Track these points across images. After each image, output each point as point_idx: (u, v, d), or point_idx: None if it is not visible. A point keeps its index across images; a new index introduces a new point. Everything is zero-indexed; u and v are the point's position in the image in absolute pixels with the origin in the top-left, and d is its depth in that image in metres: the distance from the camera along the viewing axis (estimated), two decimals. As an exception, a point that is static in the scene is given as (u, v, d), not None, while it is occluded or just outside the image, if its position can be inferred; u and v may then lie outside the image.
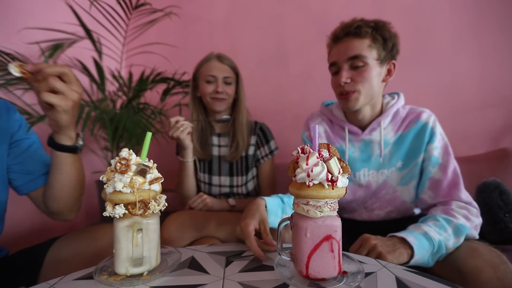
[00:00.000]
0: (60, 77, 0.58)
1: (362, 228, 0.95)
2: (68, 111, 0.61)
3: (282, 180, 1.23)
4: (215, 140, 1.22)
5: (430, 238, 0.69)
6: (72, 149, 0.69)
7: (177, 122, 1.04)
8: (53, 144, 0.68)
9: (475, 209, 0.78)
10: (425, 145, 0.87)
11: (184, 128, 1.04)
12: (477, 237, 0.74)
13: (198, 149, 1.19)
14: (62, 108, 0.59)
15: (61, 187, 0.71)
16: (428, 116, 0.89)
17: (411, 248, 0.67)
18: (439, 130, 0.89)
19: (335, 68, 0.90)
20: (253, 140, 1.20)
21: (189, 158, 1.13)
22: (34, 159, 0.75)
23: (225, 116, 1.14)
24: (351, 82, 0.86)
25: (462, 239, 0.71)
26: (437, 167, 0.85)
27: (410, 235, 0.69)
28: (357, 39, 0.84)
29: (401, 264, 0.65)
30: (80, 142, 0.70)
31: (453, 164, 0.85)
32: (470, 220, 0.74)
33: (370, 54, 0.83)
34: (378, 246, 0.66)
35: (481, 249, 0.65)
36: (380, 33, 0.84)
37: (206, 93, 1.13)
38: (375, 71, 0.85)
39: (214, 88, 1.12)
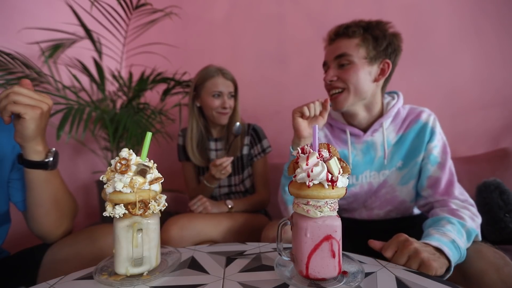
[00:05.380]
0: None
1: (361, 227, 0.95)
2: (36, 120, 0.59)
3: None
4: (212, 145, 1.27)
5: (458, 247, 0.63)
6: (41, 165, 0.64)
7: (220, 165, 1.05)
8: (22, 161, 0.64)
9: (474, 208, 0.78)
10: (425, 145, 0.87)
11: (226, 172, 1.07)
12: (480, 238, 0.73)
13: (198, 157, 1.23)
14: (30, 116, 0.58)
15: (35, 207, 0.68)
16: (427, 115, 0.89)
17: (447, 259, 0.60)
18: (438, 129, 0.89)
19: (326, 68, 0.92)
20: (247, 140, 1.25)
21: (215, 185, 1.16)
22: None
23: (237, 127, 1.12)
24: (337, 80, 0.87)
25: (471, 243, 0.68)
26: (436, 165, 0.85)
27: (444, 245, 0.62)
28: (345, 39, 0.86)
29: (438, 276, 0.56)
30: (50, 158, 0.65)
31: (450, 162, 0.86)
32: (475, 220, 0.74)
33: (357, 52, 0.84)
34: (422, 252, 0.56)
35: (485, 251, 0.64)
36: (371, 32, 0.84)
37: (213, 107, 1.18)
38: (364, 70, 0.85)
39: (221, 103, 1.18)
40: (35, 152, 0.63)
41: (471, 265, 0.63)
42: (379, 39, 0.84)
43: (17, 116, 0.59)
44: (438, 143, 0.87)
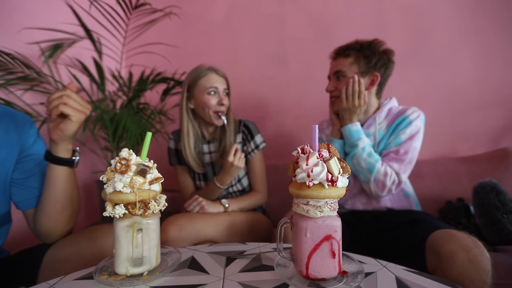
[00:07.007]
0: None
1: (364, 219, 0.99)
2: (79, 123, 0.67)
3: (282, 180, 1.23)
4: (205, 148, 1.24)
5: (360, 141, 1.00)
6: (69, 162, 0.70)
7: (237, 151, 1.07)
8: (50, 157, 0.69)
9: (397, 179, 0.96)
10: (399, 131, 1.02)
11: (243, 156, 1.09)
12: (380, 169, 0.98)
13: (197, 161, 1.21)
14: (76, 119, 0.65)
15: (53, 203, 0.71)
16: (412, 112, 1.03)
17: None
18: (417, 124, 1.00)
19: (329, 80, 1.15)
20: (239, 138, 1.22)
21: (227, 185, 1.15)
22: (40, 177, 0.74)
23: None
24: (335, 90, 1.10)
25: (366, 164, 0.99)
26: (396, 146, 1.01)
27: (356, 125, 1.03)
28: (342, 59, 1.08)
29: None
30: (78, 157, 0.72)
31: (410, 156, 0.99)
32: (388, 175, 0.96)
33: (350, 69, 1.05)
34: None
35: (458, 235, 0.68)
36: (363, 52, 1.04)
37: (210, 106, 1.14)
38: None
39: (218, 100, 1.14)
40: (66, 151, 0.70)
41: (444, 246, 0.67)
42: (369, 57, 1.04)
43: (62, 117, 0.65)
44: (410, 132, 1.00)
